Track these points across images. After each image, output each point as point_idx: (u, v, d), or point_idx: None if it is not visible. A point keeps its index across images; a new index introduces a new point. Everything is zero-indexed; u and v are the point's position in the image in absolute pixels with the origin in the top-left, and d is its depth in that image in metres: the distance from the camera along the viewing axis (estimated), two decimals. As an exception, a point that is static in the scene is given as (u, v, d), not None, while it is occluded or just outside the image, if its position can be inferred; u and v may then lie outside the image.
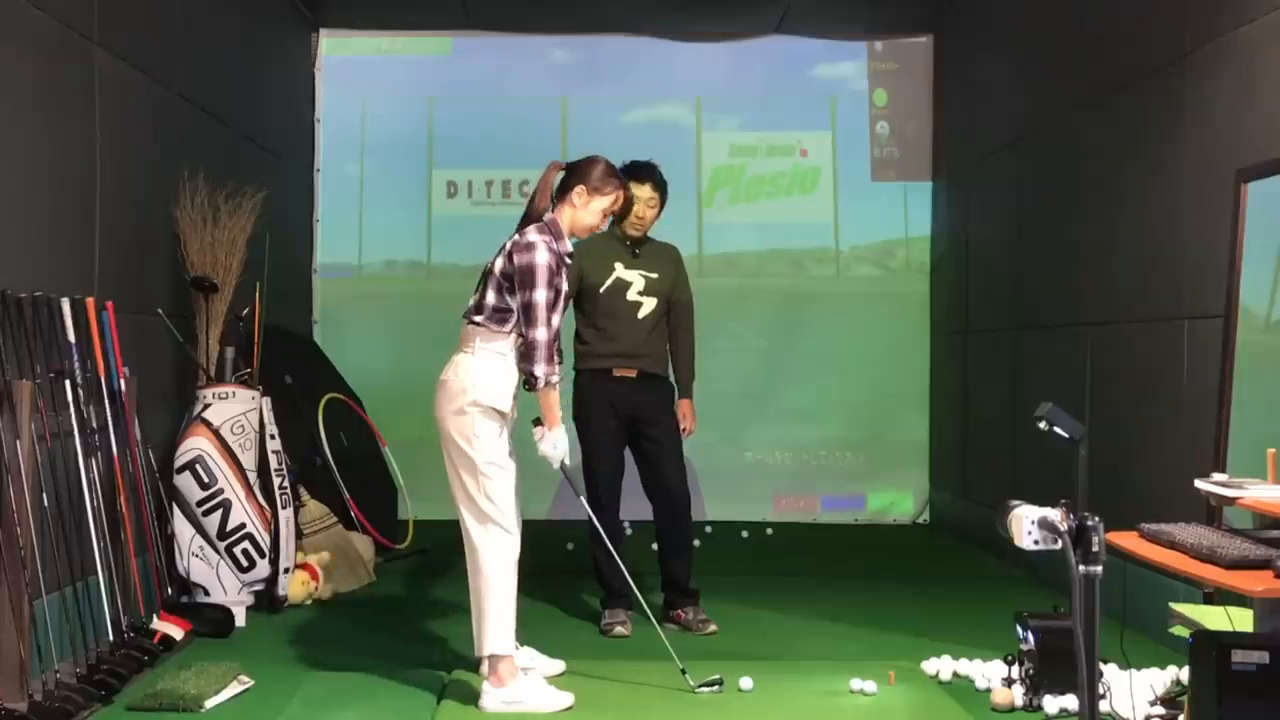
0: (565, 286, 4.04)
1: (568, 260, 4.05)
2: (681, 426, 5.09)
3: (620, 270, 4.96)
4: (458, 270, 8.01)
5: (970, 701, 3.98)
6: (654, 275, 4.99)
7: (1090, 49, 5.65)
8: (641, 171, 4.92)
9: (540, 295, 3.88)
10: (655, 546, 5.10)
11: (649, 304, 4.97)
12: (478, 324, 3.96)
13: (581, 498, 4.44)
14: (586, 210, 4.11)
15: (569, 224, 4.09)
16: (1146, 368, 5.00)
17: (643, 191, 4.91)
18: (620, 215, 4.25)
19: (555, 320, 3.97)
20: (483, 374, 3.92)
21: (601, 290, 4.93)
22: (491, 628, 3.87)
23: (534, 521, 4.05)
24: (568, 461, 4.14)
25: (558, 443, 4.07)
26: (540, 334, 3.88)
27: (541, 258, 3.90)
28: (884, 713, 3.92)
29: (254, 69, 6.80)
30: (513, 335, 3.94)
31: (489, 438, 3.89)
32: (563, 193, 4.12)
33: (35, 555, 3.75)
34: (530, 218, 4.07)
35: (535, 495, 4.22)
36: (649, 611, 4.43)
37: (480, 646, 3.90)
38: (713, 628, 4.96)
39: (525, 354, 3.91)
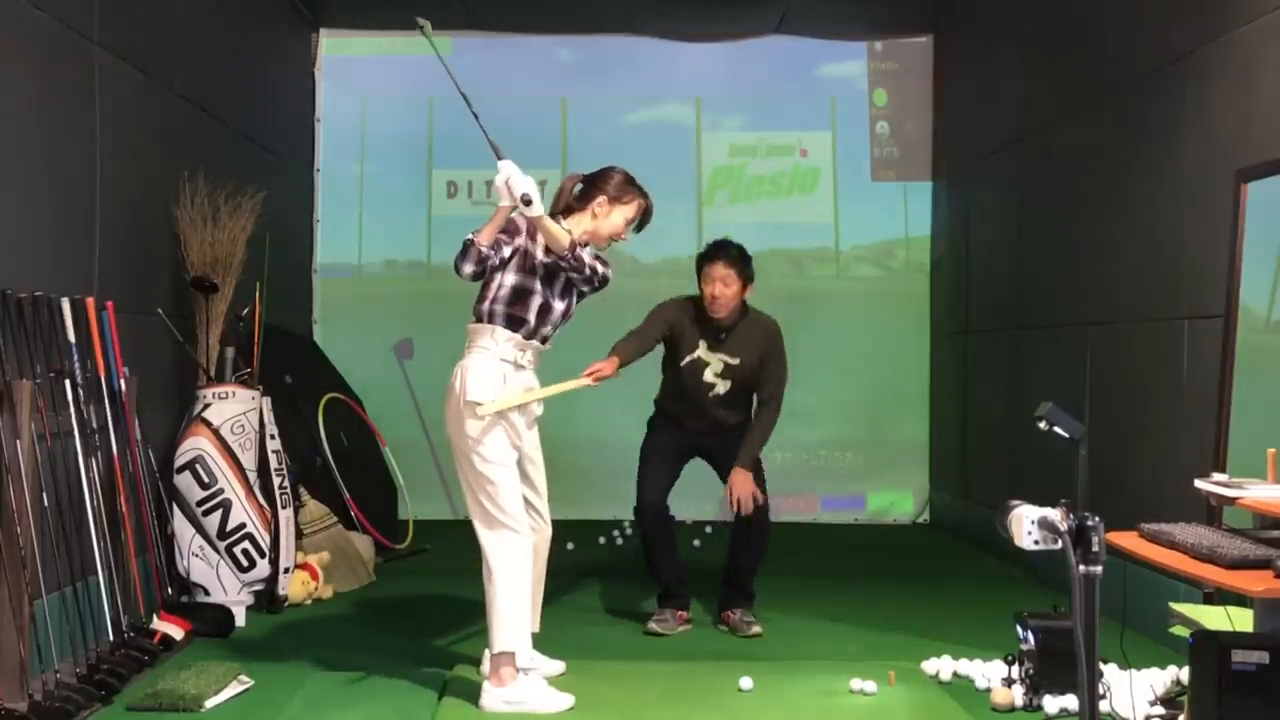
0: (536, 253, 3.97)
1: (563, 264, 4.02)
2: (732, 496, 4.79)
3: (701, 350, 4.92)
4: (457, 270, 8.02)
5: (970, 701, 3.98)
6: (735, 361, 4.90)
7: (1090, 49, 5.65)
8: (713, 250, 4.88)
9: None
10: (729, 544, 5.04)
11: (723, 386, 4.92)
12: (472, 324, 4.00)
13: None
14: (607, 220, 4.12)
15: (587, 234, 4.09)
16: (1146, 368, 5.00)
17: (714, 270, 4.79)
18: (640, 224, 4.21)
19: (509, 279, 3.94)
20: (470, 372, 3.93)
21: (681, 365, 4.93)
22: (501, 623, 3.87)
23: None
24: (532, 196, 3.75)
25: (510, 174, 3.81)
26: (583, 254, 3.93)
27: None
28: (884, 713, 3.92)
29: (254, 69, 6.79)
30: (499, 328, 3.94)
31: (486, 439, 3.89)
32: (582, 203, 4.14)
33: (35, 555, 3.75)
34: None
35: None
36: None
37: (492, 643, 3.90)
38: (756, 629, 4.90)
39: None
